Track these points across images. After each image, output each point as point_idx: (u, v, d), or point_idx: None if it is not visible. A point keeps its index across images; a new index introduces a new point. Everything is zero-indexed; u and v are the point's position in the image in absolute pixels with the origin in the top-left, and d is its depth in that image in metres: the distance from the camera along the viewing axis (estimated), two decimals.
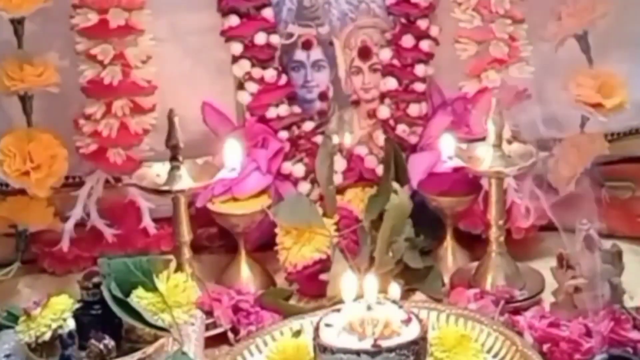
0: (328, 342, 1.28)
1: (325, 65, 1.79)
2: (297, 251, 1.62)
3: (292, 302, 1.64)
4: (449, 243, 1.76)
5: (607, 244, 1.53)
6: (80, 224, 1.75)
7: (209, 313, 1.54)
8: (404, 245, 1.64)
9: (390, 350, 1.25)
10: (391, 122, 1.79)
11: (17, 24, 1.63)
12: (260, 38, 1.73)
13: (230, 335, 1.54)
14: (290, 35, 1.77)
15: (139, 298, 1.34)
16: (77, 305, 1.36)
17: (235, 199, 1.71)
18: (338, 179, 1.75)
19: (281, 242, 1.65)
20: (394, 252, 1.63)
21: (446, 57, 1.76)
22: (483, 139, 1.63)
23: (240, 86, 1.75)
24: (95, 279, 1.39)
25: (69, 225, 1.73)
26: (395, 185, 1.63)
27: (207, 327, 1.51)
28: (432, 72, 1.78)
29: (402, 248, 1.63)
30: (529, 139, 1.66)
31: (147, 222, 1.76)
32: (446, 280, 1.69)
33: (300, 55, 1.78)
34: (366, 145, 1.80)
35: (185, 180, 1.57)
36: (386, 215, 1.61)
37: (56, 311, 1.33)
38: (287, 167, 1.76)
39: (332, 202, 1.68)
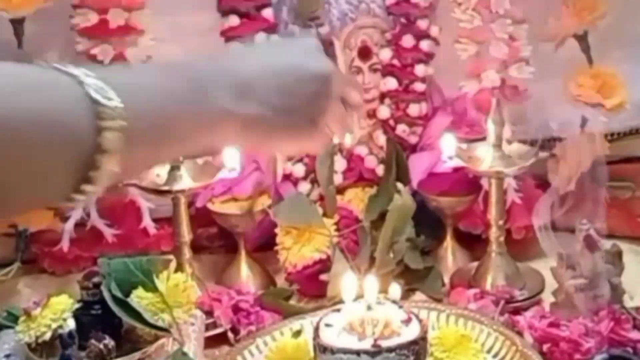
0: (328, 342, 1.28)
1: None
2: (297, 251, 1.62)
3: (292, 302, 1.64)
4: (449, 243, 1.75)
5: (607, 244, 1.52)
6: (80, 224, 1.74)
7: (209, 313, 1.54)
8: (405, 245, 1.63)
9: (390, 350, 1.25)
10: (391, 122, 1.78)
11: (17, 24, 1.63)
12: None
13: (230, 335, 1.54)
14: (291, 35, 1.77)
15: (139, 298, 1.34)
16: (77, 305, 1.36)
17: (235, 199, 1.71)
18: (338, 179, 1.74)
19: (281, 242, 1.65)
20: (395, 252, 1.62)
21: (446, 57, 1.76)
22: (483, 139, 1.63)
23: None
24: (95, 279, 1.38)
25: (69, 225, 1.73)
26: (399, 185, 1.63)
27: (207, 327, 1.50)
28: (432, 72, 1.78)
29: (404, 248, 1.63)
30: (529, 139, 1.66)
31: (147, 222, 1.76)
32: (446, 280, 1.69)
33: None
34: (366, 145, 1.80)
35: (185, 180, 1.57)
36: (389, 215, 1.61)
37: (56, 311, 1.33)
38: (287, 167, 1.76)
39: (332, 202, 1.68)
